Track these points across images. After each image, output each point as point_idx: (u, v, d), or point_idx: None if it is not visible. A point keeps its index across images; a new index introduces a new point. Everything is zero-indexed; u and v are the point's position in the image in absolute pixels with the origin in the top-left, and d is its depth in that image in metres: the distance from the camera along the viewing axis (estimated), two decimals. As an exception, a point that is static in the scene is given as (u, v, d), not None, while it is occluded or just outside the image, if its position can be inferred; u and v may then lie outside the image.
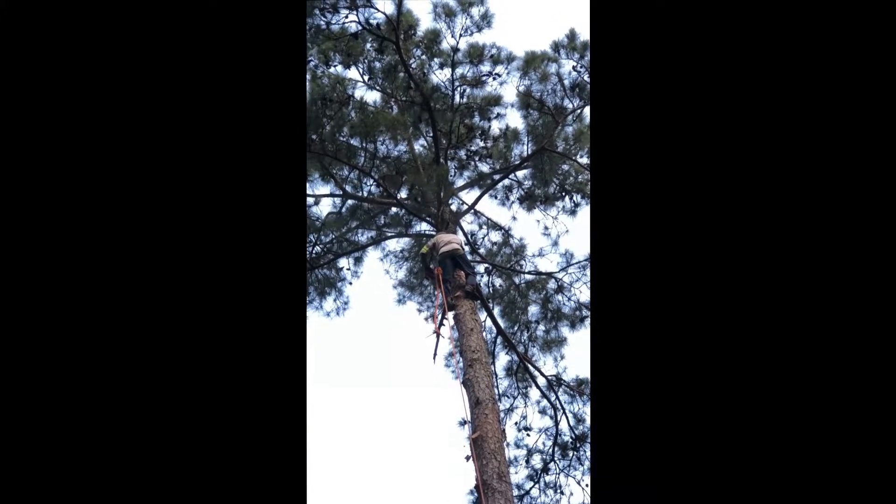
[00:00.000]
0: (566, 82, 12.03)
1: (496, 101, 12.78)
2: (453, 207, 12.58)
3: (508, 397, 13.69)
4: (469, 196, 13.91)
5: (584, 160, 12.74)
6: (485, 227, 14.69)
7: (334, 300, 13.75)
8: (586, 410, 12.96)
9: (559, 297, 13.72)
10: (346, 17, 10.79)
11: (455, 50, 11.81)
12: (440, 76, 12.32)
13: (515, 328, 14.00)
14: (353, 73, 12.43)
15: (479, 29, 11.64)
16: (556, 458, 13.00)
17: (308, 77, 11.38)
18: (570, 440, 12.91)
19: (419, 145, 13.08)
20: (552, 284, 13.76)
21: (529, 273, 14.06)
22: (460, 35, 11.67)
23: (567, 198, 13.73)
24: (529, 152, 12.75)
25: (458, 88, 12.37)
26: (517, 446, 13.27)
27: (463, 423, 11.84)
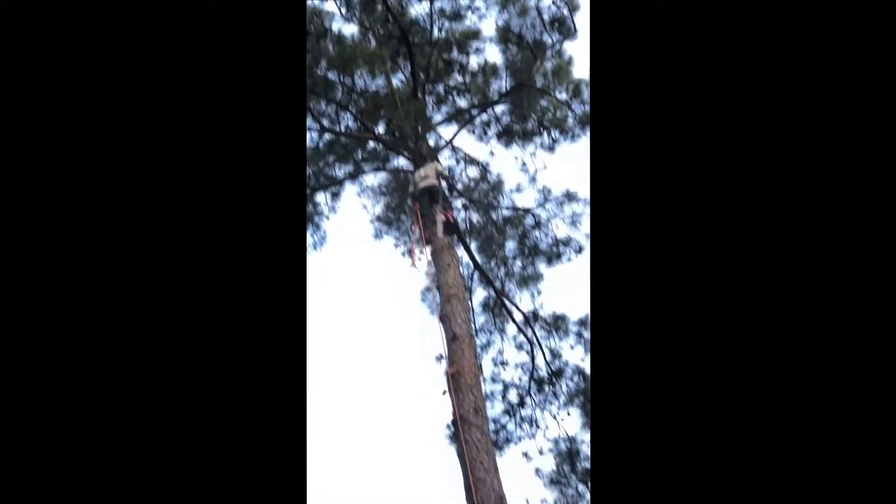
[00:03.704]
0: (545, 17, 11.90)
1: (475, 35, 12.65)
2: (431, 142, 12.52)
3: (485, 332, 13.82)
4: (447, 131, 13.83)
5: (563, 96, 12.67)
6: (462, 162, 14.64)
7: (312, 234, 13.74)
8: (562, 346, 13.13)
9: (536, 232, 13.76)
10: (323, -53, 10.60)
11: (434, -18, 11.66)
12: (418, 9, 12.20)
13: (492, 264, 14.05)
14: (330, 5, 12.30)
15: (459, -39, 11.49)
16: (532, 393, 13.18)
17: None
18: (547, 375, 13.07)
19: (397, 80, 12.97)
20: (529, 220, 13.80)
21: (507, 209, 14.08)
22: (439, -33, 11.52)
23: (545, 134, 13.64)
24: (508, 87, 12.65)
25: (437, 22, 12.23)
26: (493, 381, 13.45)
27: (440, 357, 12.00)
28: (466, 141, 17.50)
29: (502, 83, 12.84)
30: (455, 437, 7.04)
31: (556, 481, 12.42)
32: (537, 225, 13.71)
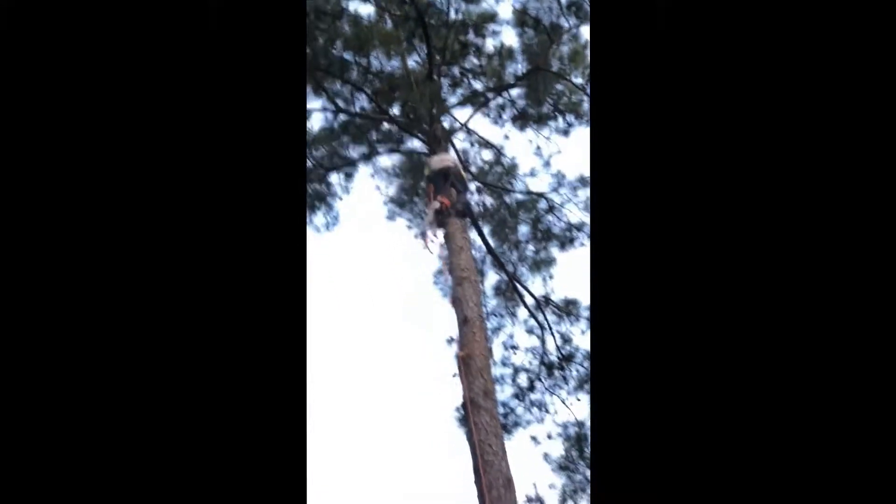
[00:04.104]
0: (562, 0, 11.83)
1: (491, 17, 12.59)
2: (445, 125, 12.49)
3: (496, 316, 13.84)
4: (462, 114, 13.80)
5: (579, 80, 12.61)
6: (477, 145, 14.62)
7: (324, 215, 13.75)
8: (573, 330, 13.14)
9: (549, 217, 13.76)
10: (340, -73, 10.56)
11: (451, -37, 11.61)
12: (435, -10, 12.13)
13: (505, 247, 14.05)
14: (346, -15, 12.22)
15: (476, -58, 11.43)
16: (541, 377, 13.21)
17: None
18: (557, 360, 13.09)
19: (413, 61, 12.93)
20: (543, 204, 13.78)
21: (520, 192, 14.05)
22: (456, -52, 11.46)
23: (560, 118, 13.59)
24: (524, 71, 12.60)
25: (453, 4, 12.17)
26: (504, 365, 13.48)
27: (450, 340, 12.03)
28: (481, 124, 17.48)
29: (518, 66, 12.79)
30: (464, 420, 7.05)
31: (564, 466, 12.46)
32: (551, 209, 13.70)
